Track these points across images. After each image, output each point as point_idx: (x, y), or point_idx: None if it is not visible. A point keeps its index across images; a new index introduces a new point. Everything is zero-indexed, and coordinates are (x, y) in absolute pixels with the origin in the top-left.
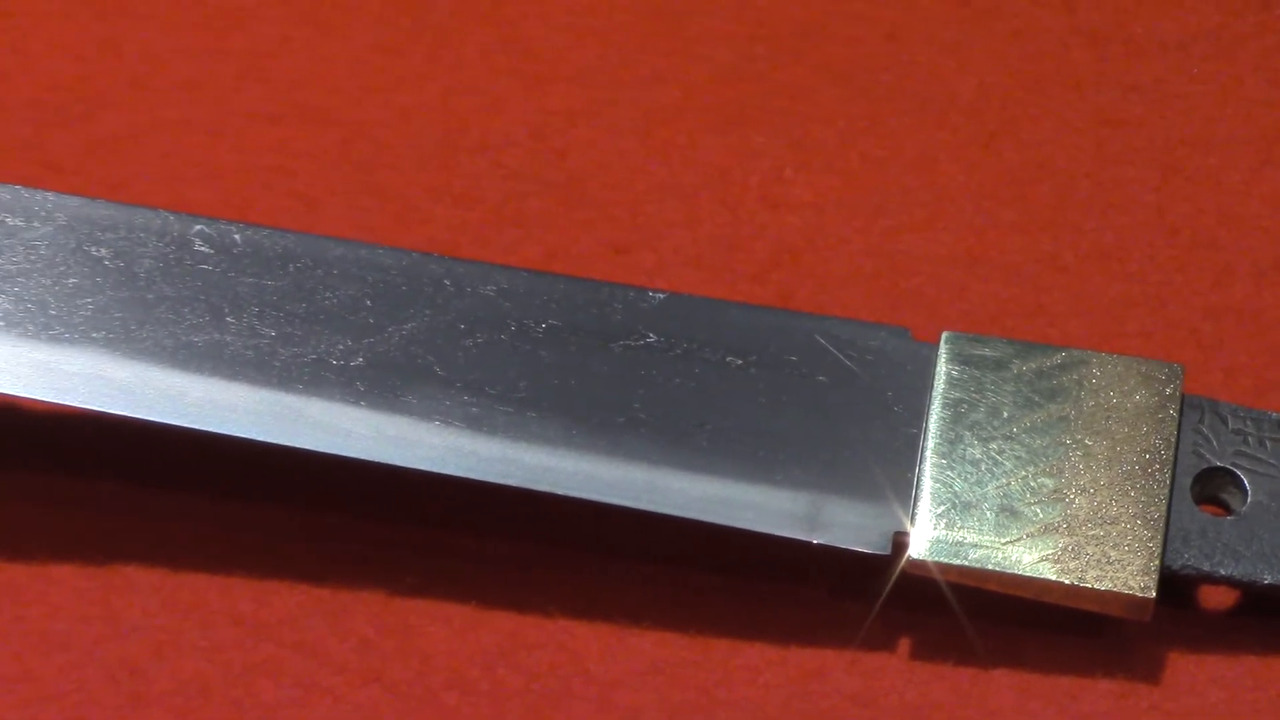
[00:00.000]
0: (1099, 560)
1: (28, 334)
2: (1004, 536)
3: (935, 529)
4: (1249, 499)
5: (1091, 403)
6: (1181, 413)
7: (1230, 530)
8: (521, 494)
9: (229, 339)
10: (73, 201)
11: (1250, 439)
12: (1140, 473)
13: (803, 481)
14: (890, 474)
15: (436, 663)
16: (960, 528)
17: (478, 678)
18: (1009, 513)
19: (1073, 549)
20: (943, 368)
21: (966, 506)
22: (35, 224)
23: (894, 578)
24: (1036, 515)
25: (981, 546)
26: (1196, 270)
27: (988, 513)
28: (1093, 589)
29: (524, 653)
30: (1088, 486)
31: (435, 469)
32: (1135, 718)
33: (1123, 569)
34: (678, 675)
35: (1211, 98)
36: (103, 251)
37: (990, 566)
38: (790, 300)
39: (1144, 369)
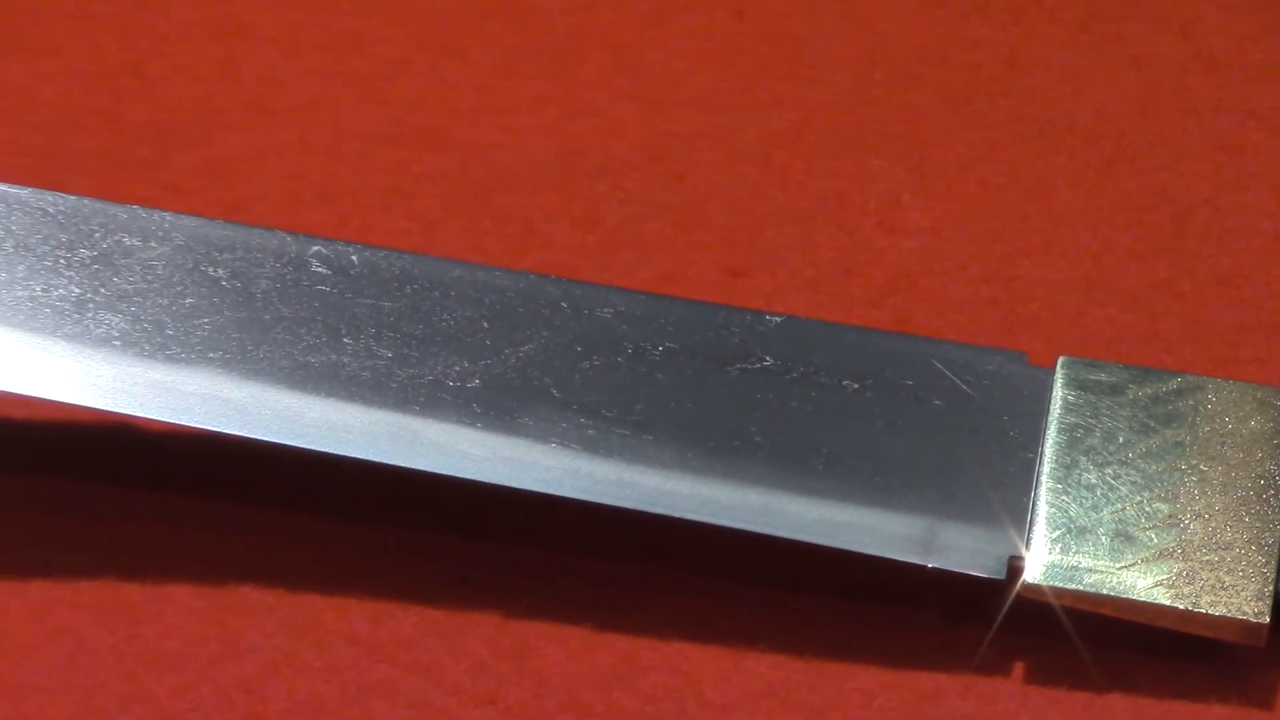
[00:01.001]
0: (1213, 586)
1: (144, 354)
2: (1118, 561)
3: (1050, 553)
4: None
5: (1207, 428)
6: None
7: None
8: (637, 516)
9: (346, 360)
10: (190, 222)
11: None
12: (1255, 498)
13: (918, 505)
14: (1006, 498)
15: (552, 684)
16: (1075, 552)
17: (593, 700)
18: (1124, 538)
19: (1187, 574)
20: (1059, 393)
21: (1081, 531)
22: (153, 244)
23: (1009, 602)
24: (1151, 540)
25: (1096, 571)
26: None
27: (1102, 538)
28: (1207, 614)
29: (639, 675)
30: (1202, 512)
31: (551, 491)
32: None
33: (1237, 594)
34: (792, 698)
35: None
36: (220, 272)
37: (1105, 591)
38: (907, 324)
39: (1259, 395)
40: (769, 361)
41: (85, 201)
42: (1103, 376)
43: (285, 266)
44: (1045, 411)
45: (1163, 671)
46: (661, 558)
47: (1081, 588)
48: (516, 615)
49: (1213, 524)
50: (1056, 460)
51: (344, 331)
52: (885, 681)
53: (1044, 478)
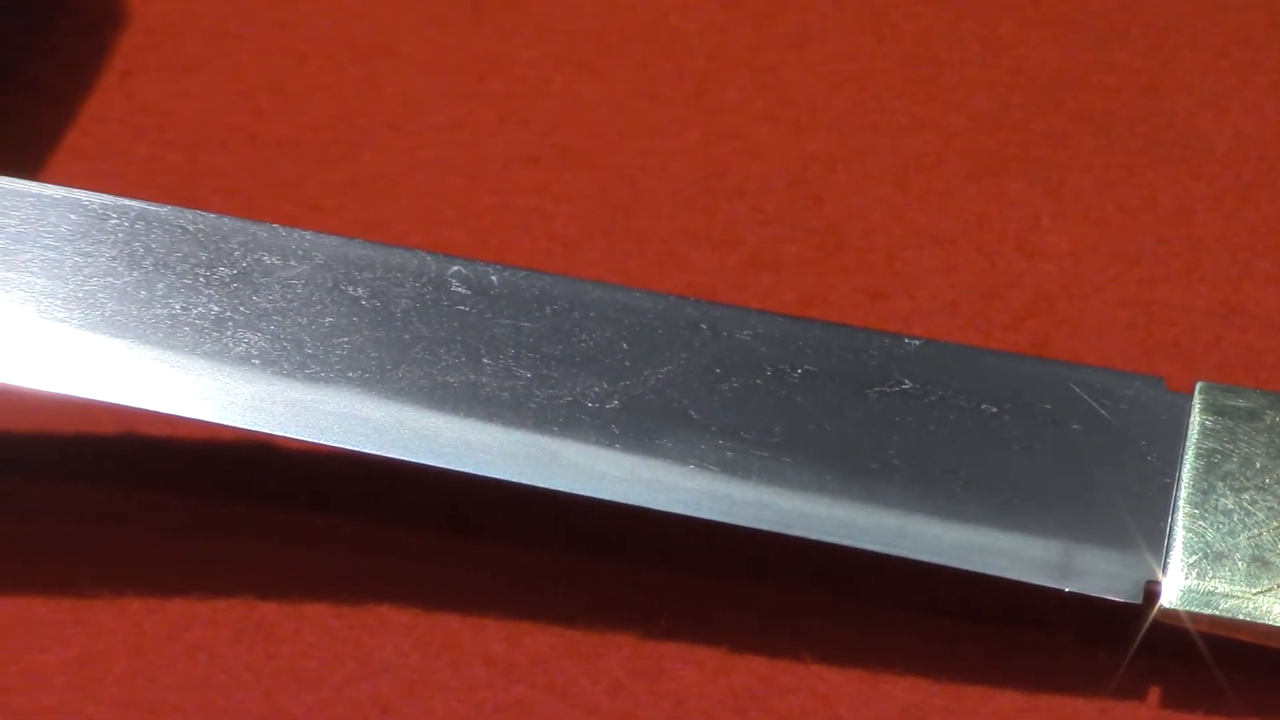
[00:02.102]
0: None
1: (283, 372)
2: (1255, 587)
3: (1187, 578)
4: None
5: None
6: None
7: None
8: (775, 538)
9: (485, 380)
10: (330, 241)
11: None
12: None
13: (1055, 529)
14: (1142, 523)
15: (688, 706)
16: (1212, 577)
17: None
18: (1260, 563)
19: None
20: (1196, 418)
21: (1218, 556)
22: (293, 263)
23: (1145, 627)
24: None
25: (1233, 597)
26: None
27: (1239, 563)
28: None
29: (776, 697)
30: None
31: (689, 512)
32: None
33: None
34: None
35: None
36: (360, 291)
37: (1241, 616)
38: (1045, 348)
39: None
40: (907, 384)
41: (225, 220)
42: (1240, 402)
43: (425, 286)
44: (1183, 437)
45: None
46: (798, 579)
47: (1218, 613)
48: (653, 636)
49: None
50: (1193, 485)
51: (483, 351)
52: (1021, 705)
53: (1181, 503)
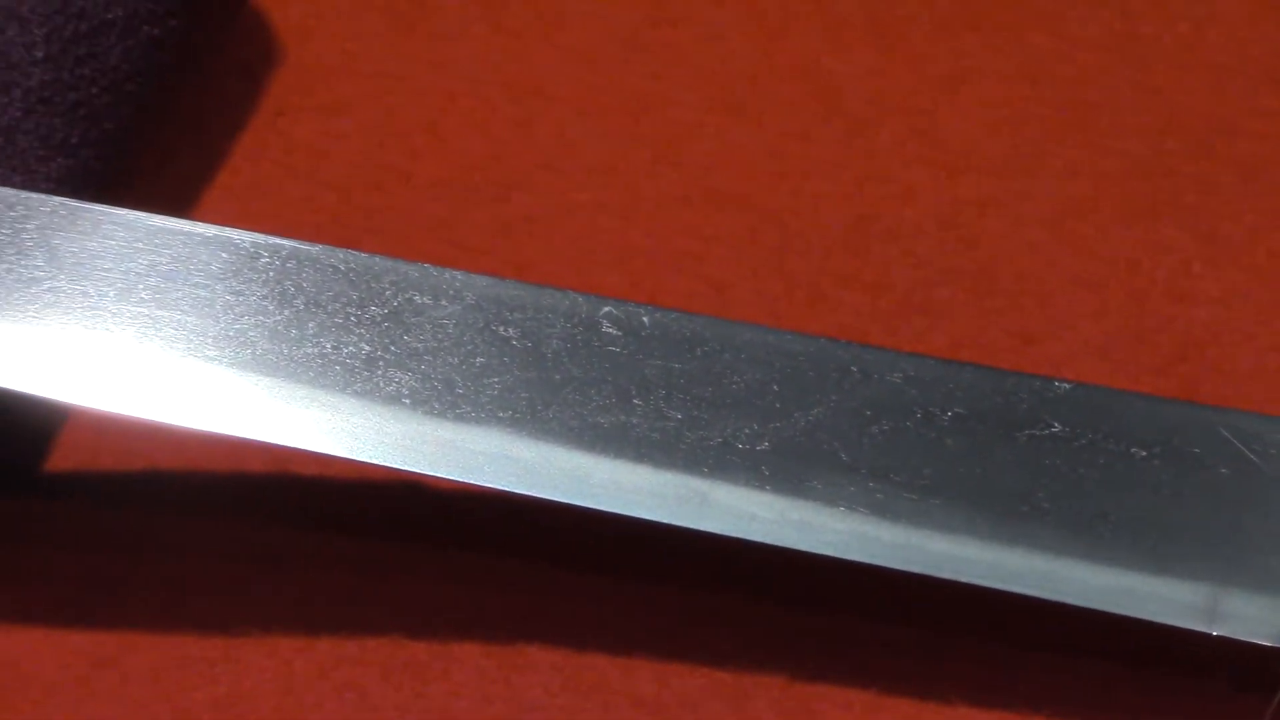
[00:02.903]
0: None
1: (434, 412)
2: None
3: None
4: None
5: None
6: None
7: None
8: (924, 581)
9: (635, 421)
10: (482, 281)
11: None
12: None
13: (1204, 573)
14: None
15: None
16: None
17: None
18: None
19: None
20: None
21: None
22: (444, 302)
23: None
24: None
25: None
26: None
27: None
28: None
29: None
30: None
31: (838, 554)
32: None
33: None
34: None
35: None
36: (511, 331)
37: None
38: (1195, 393)
39: None
40: (1057, 428)
41: (377, 259)
42: None
43: (576, 327)
44: None
45: None
46: (946, 622)
47: None
48: (802, 678)
49: None
50: None
51: (634, 393)
52: None
53: None
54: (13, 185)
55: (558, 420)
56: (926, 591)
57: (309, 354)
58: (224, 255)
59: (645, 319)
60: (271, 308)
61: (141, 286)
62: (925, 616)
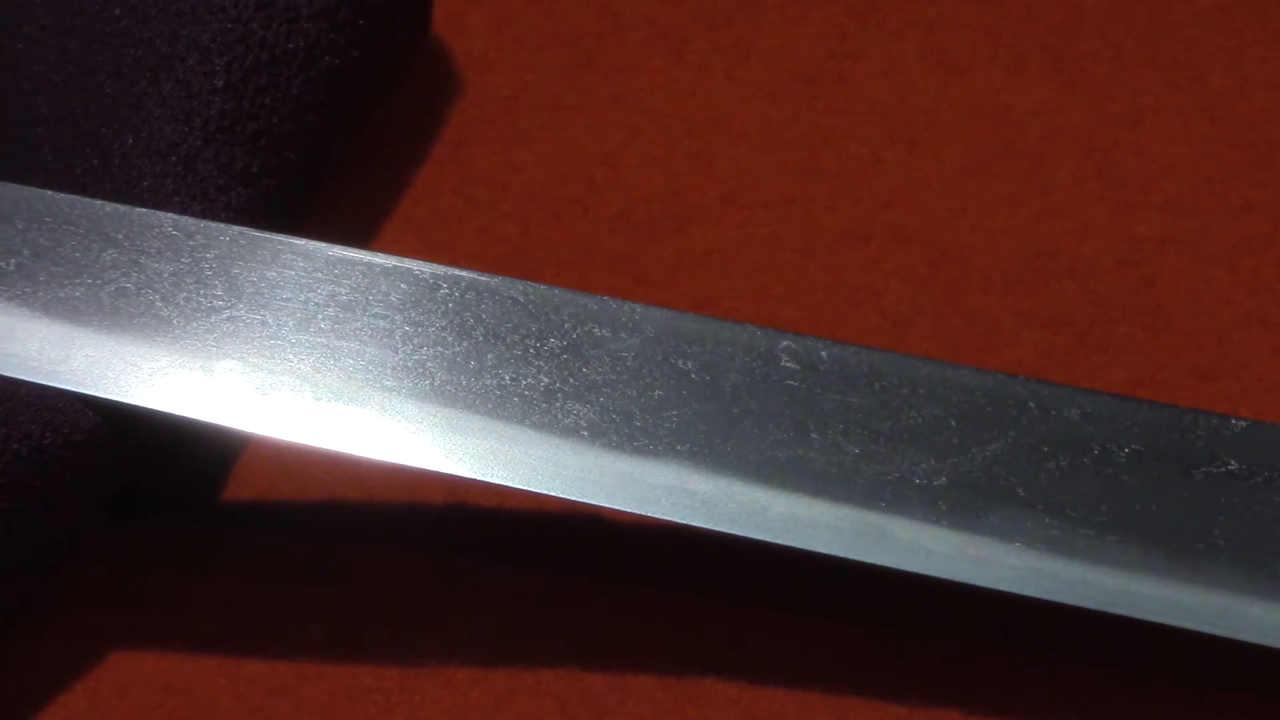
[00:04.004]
0: None
1: (612, 445)
2: None
3: None
4: None
5: None
6: None
7: None
8: (1099, 617)
9: (813, 455)
10: (661, 314)
11: None
12: None
13: None
14: None
15: None
16: None
17: None
18: None
19: None
20: None
21: None
22: (623, 335)
23: None
24: None
25: None
26: None
27: None
28: None
29: None
30: None
31: (1014, 589)
32: None
33: None
34: None
35: None
36: (689, 365)
37: None
38: None
39: None
40: (1234, 465)
41: (556, 291)
42: None
43: (754, 361)
44: None
45: None
46: (1121, 658)
47: None
48: (978, 713)
49: None
50: None
51: (811, 427)
52: None
53: None
54: (192, 214)
55: (735, 454)
56: (1101, 627)
57: (487, 385)
58: (403, 286)
59: (823, 353)
60: (450, 339)
61: (320, 316)
62: (1097, 652)
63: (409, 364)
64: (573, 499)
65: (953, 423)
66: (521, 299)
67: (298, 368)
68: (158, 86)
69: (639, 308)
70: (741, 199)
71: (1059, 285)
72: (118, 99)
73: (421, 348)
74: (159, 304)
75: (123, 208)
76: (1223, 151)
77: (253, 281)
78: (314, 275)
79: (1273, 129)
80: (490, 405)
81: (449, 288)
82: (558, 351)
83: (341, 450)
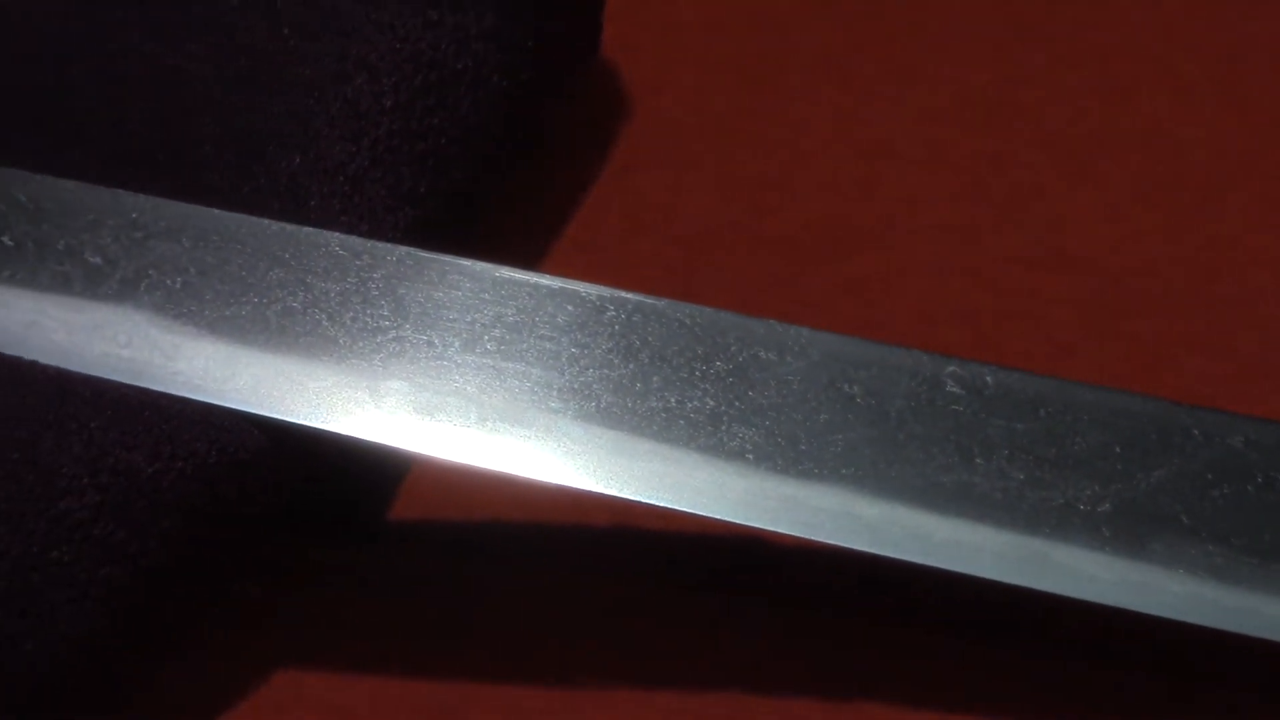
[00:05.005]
0: None
1: (777, 468)
2: None
3: None
4: None
5: None
6: None
7: None
8: (1265, 646)
9: (977, 480)
10: (827, 338)
11: None
12: None
13: None
14: None
15: None
16: None
17: None
18: None
19: None
20: None
21: None
22: (788, 359)
23: None
24: None
25: None
26: None
27: None
28: None
29: None
30: None
31: (1177, 617)
32: None
33: None
34: None
35: None
36: (855, 389)
37: None
38: None
39: None
40: None
41: (722, 314)
42: None
43: (920, 385)
44: None
45: None
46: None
47: None
48: None
49: None
50: None
51: (976, 452)
52: None
53: None
54: (359, 234)
55: (900, 478)
56: (1267, 655)
57: (653, 408)
58: (570, 308)
59: (989, 379)
60: (617, 361)
61: (487, 337)
62: (1267, 682)
63: (574, 386)
64: (737, 522)
65: (1117, 449)
66: (688, 322)
67: (463, 389)
68: (325, 106)
69: (805, 331)
70: (907, 223)
71: (1224, 313)
72: (285, 118)
73: (587, 370)
74: (325, 323)
75: (290, 227)
76: None
77: (419, 302)
78: (480, 296)
79: None
80: (655, 428)
81: (615, 310)
82: (723, 375)
83: (506, 471)
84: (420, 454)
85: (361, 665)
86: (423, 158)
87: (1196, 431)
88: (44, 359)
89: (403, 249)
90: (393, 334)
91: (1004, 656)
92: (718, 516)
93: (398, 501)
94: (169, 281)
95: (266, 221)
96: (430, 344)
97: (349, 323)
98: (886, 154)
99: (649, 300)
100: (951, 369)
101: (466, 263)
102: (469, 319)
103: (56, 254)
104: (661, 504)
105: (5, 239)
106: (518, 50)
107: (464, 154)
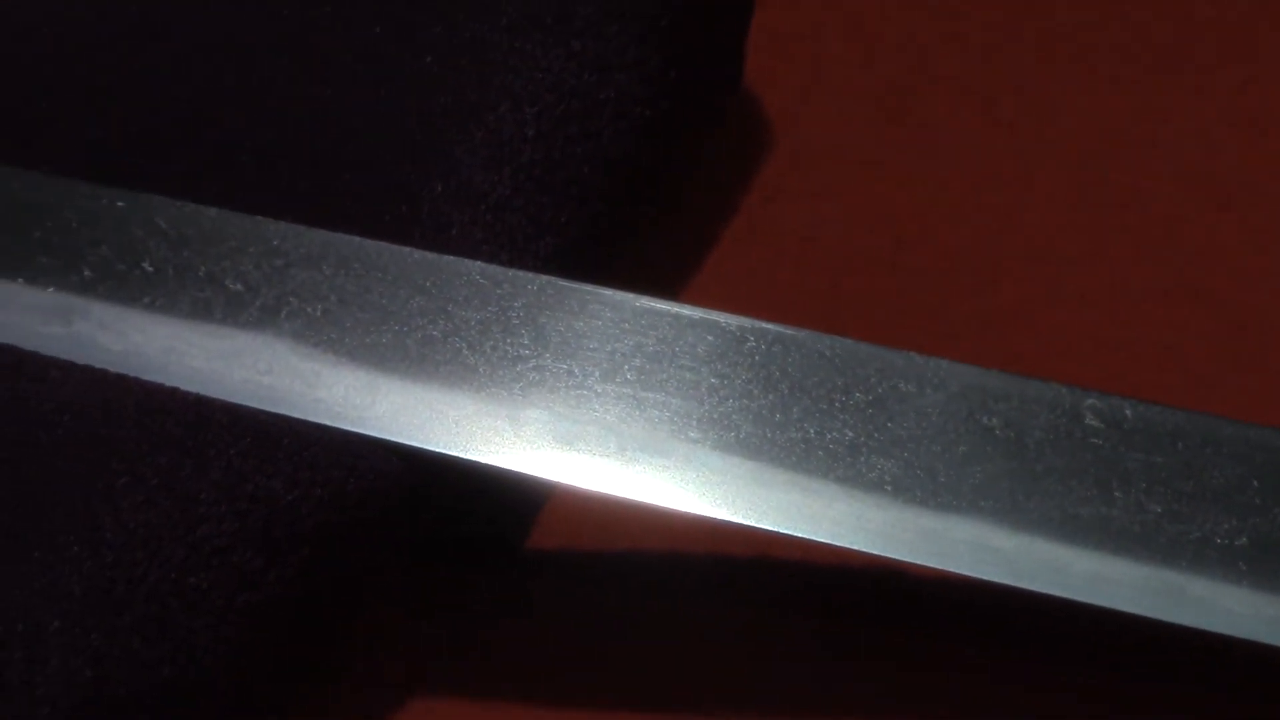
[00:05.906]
0: None
1: (916, 500)
2: None
3: None
4: None
5: None
6: None
7: None
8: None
9: (1115, 513)
10: (966, 370)
11: None
12: None
13: None
14: None
15: None
16: None
17: None
18: None
19: None
20: None
21: None
22: (928, 391)
23: None
24: None
25: None
26: None
27: None
28: None
29: None
30: None
31: None
32: None
33: None
34: None
35: None
36: (994, 421)
37: None
38: None
39: None
40: None
41: (862, 346)
42: None
43: (1059, 418)
44: None
45: None
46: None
47: None
48: None
49: None
50: None
51: (1114, 485)
52: None
53: None
54: (501, 262)
55: (1038, 511)
56: None
57: (793, 439)
58: (710, 338)
59: (1128, 412)
60: (756, 391)
61: (627, 367)
62: None
63: (714, 416)
64: (875, 553)
65: (1255, 483)
66: (828, 353)
67: (603, 418)
68: (468, 134)
69: (944, 363)
70: (1047, 256)
71: None
72: (427, 146)
73: (727, 400)
74: (465, 352)
75: (430, 255)
76: None
77: (559, 331)
78: (621, 326)
79: None
80: (795, 459)
81: (756, 340)
82: (862, 406)
83: (645, 501)
84: (559, 483)
85: (496, 693)
86: (565, 187)
87: None
88: (183, 385)
89: (544, 278)
90: (533, 363)
91: (1148, 690)
92: (856, 547)
93: (536, 530)
94: (309, 309)
95: (407, 249)
96: (570, 373)
97: (489, 351)
98: (1026, 186)
99: (789, 331)
100: (1090, 402)
101: (607, 292)
102: (609, 348)
103: (197, 281)
104: (799, 535)
105: (146, 265)
106: (660, 81)
107: (605, 183)
